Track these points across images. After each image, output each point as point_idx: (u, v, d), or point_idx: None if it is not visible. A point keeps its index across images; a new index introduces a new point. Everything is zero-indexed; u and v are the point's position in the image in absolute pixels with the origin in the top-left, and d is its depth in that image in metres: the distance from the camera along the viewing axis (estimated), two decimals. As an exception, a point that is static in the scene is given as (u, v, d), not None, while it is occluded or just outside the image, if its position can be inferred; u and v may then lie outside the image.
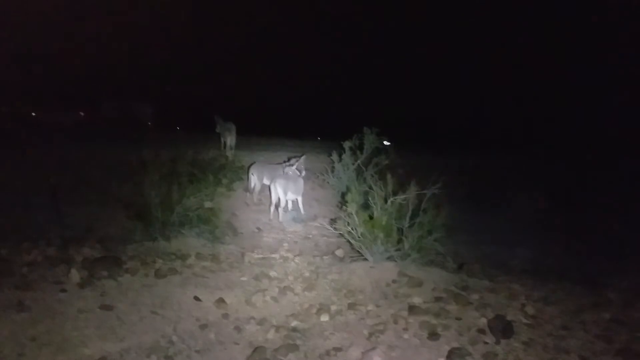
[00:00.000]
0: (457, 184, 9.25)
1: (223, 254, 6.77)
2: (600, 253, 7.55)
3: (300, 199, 9.04)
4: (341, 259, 6.83)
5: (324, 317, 4.88)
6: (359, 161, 10.13)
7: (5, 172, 9.00)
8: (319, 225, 8.31)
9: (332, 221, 7.50)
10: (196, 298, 5.19)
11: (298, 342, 4.35)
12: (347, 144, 10.22)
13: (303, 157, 9.30)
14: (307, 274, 6.18)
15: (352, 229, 6.32)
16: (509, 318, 4.60)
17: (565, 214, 10.10)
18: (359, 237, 6.27)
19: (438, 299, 5.20)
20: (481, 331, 4.45)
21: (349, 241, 6.61)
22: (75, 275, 5.30)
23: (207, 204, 7.34)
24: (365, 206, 6.47)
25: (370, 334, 4.45)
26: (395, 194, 6.33)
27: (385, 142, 10.57)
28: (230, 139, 12.06)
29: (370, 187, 6.63)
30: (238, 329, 4.66)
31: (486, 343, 4.27)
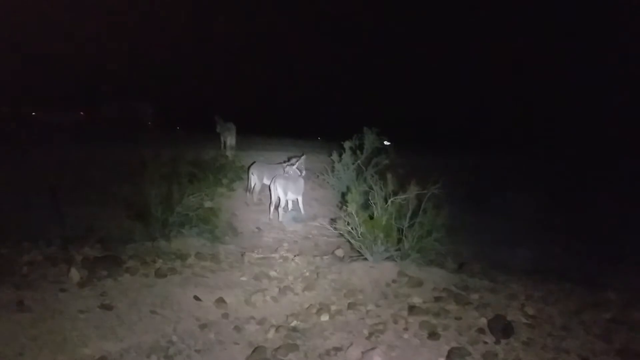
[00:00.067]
0: (457, 184, 9.25)
1: (223, 253, 6.78)
2: (600, 253, 7.56)
3: (300, 199, 9.04)
4: (341, 259, 6.83)
5: (324, 317, 4.89)
6: (359, 161, 10.13)
7: (6, 172, 8.98)
8: (318, 225, 8.31)
9: (332, 221, 7.51)
10: (196, 298, 5.19)
11: (298, 341, 4.36)
12: (347, 144, 10.23)
13: (303, 157, 9.30)
14: (307, 274, 6.18)
15: (352, 229, 6.32)
16: (508, 318, 4.61)
17: (565, 214, 10.11)
18: (359, 237, 6.28)
19: (438, 299, 5.21)
20: (481, 331, 4.46)
21: (349, 241, 6.62)
22: (75, 274, 5.31)
23: (207, 204, 7.36)
24: (365, 206, 6.48)
25: (370, 334, 4.46)
26: (395, 194, 6.34)
27: (385, 142, 10.57)
28: (230, 139, 12.04)
29: (370, 187, 6.64)
30: (238, 328, 4.67)
31: (486, 343, 4.28)
